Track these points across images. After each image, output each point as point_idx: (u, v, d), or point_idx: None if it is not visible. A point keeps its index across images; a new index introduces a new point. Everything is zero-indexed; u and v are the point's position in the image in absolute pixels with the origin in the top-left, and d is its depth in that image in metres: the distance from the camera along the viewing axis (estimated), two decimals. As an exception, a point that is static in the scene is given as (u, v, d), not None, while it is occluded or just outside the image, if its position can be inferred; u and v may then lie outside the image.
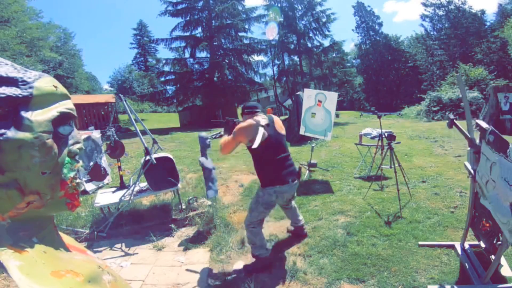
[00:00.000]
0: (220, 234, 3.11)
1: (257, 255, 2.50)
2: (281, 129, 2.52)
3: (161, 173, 3.46)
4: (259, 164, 2.48)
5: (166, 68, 19.60)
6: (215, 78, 19.34)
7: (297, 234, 3.01)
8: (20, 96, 0.61)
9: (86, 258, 0.80)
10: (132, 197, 3.40)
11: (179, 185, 3.68)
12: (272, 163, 2.40)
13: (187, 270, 2.62)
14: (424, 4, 33.28)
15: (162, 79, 19.55)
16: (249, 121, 2.36)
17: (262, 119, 2.37)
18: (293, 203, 2.94)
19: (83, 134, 4.67)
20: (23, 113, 0.60)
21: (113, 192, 3.71)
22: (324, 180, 4.92)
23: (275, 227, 3.27)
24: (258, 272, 2.44)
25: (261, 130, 2.28)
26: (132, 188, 3.42)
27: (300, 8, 20.89)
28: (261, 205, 2.42)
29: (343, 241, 2.83)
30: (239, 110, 21.94)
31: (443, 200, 3.66)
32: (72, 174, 0.73)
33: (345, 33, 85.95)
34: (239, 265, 2.62)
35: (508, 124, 9.11)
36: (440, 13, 32.49)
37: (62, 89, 0.72)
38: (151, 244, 3.09)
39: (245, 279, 2.38)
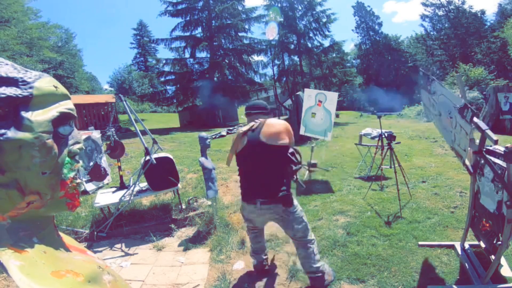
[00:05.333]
0: (220, 234, 3.11)
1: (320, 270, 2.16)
2: (266, 136, 2.02)
3: (161, 173, 3.46)
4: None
5: (166, 68, 19.68)
6: (215, 78, 19.35)
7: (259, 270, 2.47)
8: (20, 96, 0.61)
9: (86, 258, 0.80)
10: (132, 197, 3.39)
11: (179, 185, 3.68)
12: (240, 174, 2.18)
13: (187, 270, 2.62)
14: (424, 4, 33.32)
15: (162, 79, 19.61)
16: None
17: (246, 125, 2.14)
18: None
19: (83, 134, 4.66)
20: (23, 113, 0.60)
21: (113, 192, 3.70)
22: (324, 180, 4.93)
23: (275, 227, 3.27)
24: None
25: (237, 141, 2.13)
26: (132, 188, 3.42)
27: (300, 8, 20.92)
28: None
29: (343, 241, 2.83)
30: (239, 110, 21.94)
31: (443, 200, 3.66)
32: (72, 174, 0.73)
33: (345, 33, 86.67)
34: (239, 265, 2.62)
35: (508, 124, 9.11)
36: (440, 13, 32.51)
37: (62, 89, 0.72)
38: (151, 244, 3.09)
39: (245, 279, 2.38)
